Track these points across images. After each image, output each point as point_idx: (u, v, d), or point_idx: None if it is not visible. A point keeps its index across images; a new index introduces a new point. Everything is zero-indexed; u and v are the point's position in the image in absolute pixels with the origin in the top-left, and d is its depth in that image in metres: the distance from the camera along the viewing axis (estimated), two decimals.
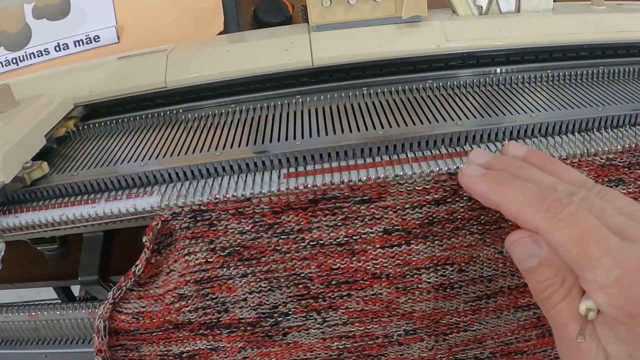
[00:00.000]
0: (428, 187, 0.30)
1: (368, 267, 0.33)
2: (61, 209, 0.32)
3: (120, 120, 0.41)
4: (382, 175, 0.30)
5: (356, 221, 0.31)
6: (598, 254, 0.22)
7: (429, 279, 0.33)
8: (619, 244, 0.22)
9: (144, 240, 0.31)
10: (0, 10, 0.54)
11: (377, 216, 0.31)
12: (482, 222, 0.32)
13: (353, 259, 0.32)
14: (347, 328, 0.35)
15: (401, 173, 0.30)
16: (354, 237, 0.32)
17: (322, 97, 0.40)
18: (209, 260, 0.32)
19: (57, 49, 0.53)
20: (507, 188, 0.26)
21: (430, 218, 0.31)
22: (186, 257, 0.32)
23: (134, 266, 0.32)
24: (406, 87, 0.40)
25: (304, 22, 0.46)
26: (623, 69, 0.40)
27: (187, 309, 0.34)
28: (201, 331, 0.35)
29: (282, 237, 0.32)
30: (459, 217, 0.31)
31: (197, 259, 0.32)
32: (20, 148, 0.33)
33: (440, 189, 0.31)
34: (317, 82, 0.42)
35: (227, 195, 0.30)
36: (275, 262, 0.32)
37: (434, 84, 0.40)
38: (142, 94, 0.42)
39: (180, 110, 0.42)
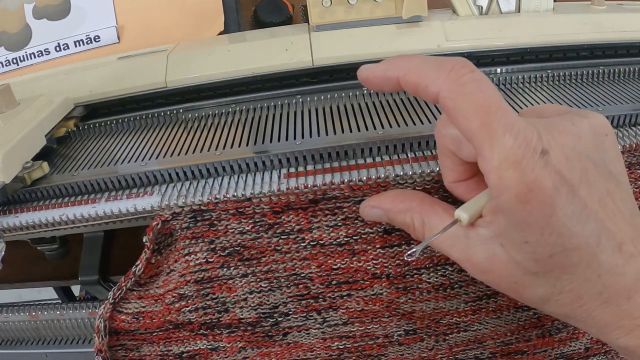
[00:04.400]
0: (428, 187, 0.30)
1: (368, 267, 0.33)
2: (61, 209, 0.32)
3: (120, 120, 0.41)
4: (382, 175, 0.30)
5: (356, 221, 0.31)
6: (501, 131, 0.21)
7: (429, 279, 0.33)
8: (522, 124, 0.21)
9: (144, 240, 0.31)
10: (0, 10, 0.54)
11: None
12: None
13: (353, 259, 0.32)
14: (348, 328, 0.35)
15: (401, 173, 0.30)
16: (354, 237, 0.32)
17: (322, 97, 0.40)
18: (209, 260, 0.32)
19: (58, 49, 0.53)
20: (406, 60, 0.24)
21: None
22: (186, 257, 0.32)
23: (134, 266, 0.32)
24: None
25: (304, 22, 0.46)
26: (623, 69, 0.40)
27: (188, 309, 0.34)
28: (201, 331, 0.35)
29: (283, 237, 0.32)
30: None
31: (197, 259, 0.32)
32: (20, 148, 0.33)
33: (441, 189, 0.31)
34: (318, 82, 0.42)
35: (227, 195, 0.30)
36: (275, 262, 0.32)
37: None
38: (142, 94, 0.42)
39: (181, 110, 0.42)
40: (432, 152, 0.32)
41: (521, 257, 0.23)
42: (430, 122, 0.34)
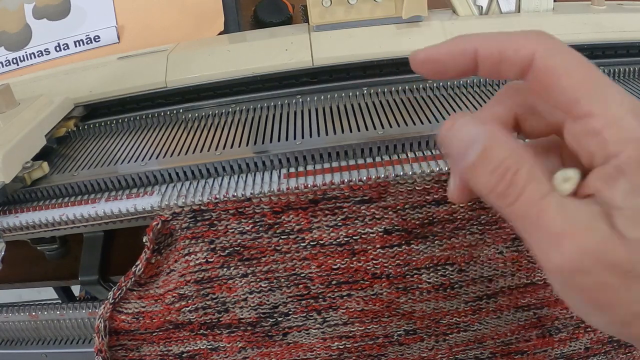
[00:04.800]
0: (428, 187, 0.30)
1: (368, 267, 0.33)
2: (61, 209, 0.32)
3: (120, 120, 0.41)
4: (382, 175, 0.30)
5: (356, 221, 0.31)
6: (615, 89, 0.18)
7: (429, 279, 0.33)
8: (622, 94, 0.19)
9: (144, 240, 0.31)
10: (1, 10, 0.54)
11: (377, 216, 0.31)
12: (482, 222, 0.32)
13: (353, 259, 0.32)
14: (348, 328, 0.35)
15: (401, 173, 0.30)
16: (354, 237, 0.32)
17: (322, 97, 0.40)
18: (209, 260, 0.32)
19: (58, 49, 0.53)
20: (479, 34, 0.21)
21: (431, 218, 0.31)
22: (186, 257, 0.32)
23: (134, 266, 0.32)
24: (406, 87, 0.40)
25: (304, 22, 0.46)
26: (623, 69, 0.40)
27: (188, 309, 0.34)
28: (201, 331, 0.35)
29: (283, 237, 0.32)
30: (459, 217, 0.31)
31: (197, 259, 0.32)
32: (20, 148, 0.33)
33: (441, 189, 0.31)
34: (317, 82, 0.42)
35: (227, 195, 0.30)
36: (275, 262, 0.32)
37: (434, 84, 0.40)
38: (142, 94, 0.42)
39: (181, 110, 0.42)
40: (432, 152, 0.32)
41: None
42: (430, 122, 0.34)
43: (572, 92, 0.18)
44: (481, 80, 0.40)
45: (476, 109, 0.36)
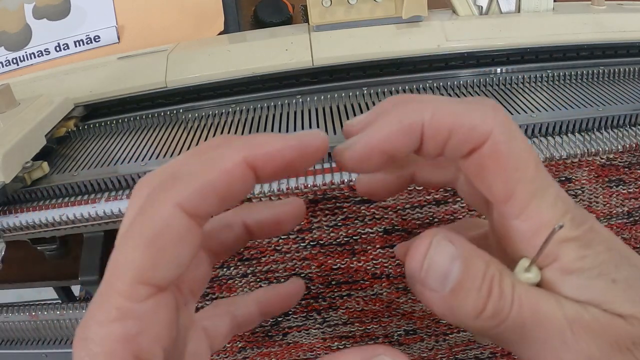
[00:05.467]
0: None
1: (368, 267, 0.33)
2: (61, 209, 0.32)
3: (120, 120, 0.41)
4: None
5: (356, 221, 0.31)
6: (552, 189, 0.17)
7: None
8: (558, 195, 0.18)
9: None
10: (1, 10, 0.54)
11: (377, 216, 0.31)
12: None
13: (353, 259, 0.32)
14: (348, 328, 0.35)
15: None
16: (354, 237, 0.32)
17: (322, 97, 0.40)
18: None
19: (58, 49, 0.53)
20: (417, 100, 0.18)
21: (431, 218, 0.31)
22: None
23: None
24: (406, 87, 0.40)
25: (304, 22, 0.46)
26: (623, 69, 0.40)
27: None
28: None
29: (282, 237, 0.32)
30: (459, 217, 0.31)
31: None
32: (20, 148, 0.33)
33: (441, 189, 0.31)
34: (318, 82, 0.42)
35: None
36: (275, 262, 0.32)
37: (434, 84, 0.40)
38: (142, 94, 0.42)
39: (181, 110, 0.42)
40: None
41: None
42: None
43: (512, 187, 0.17)
44: (481, 80, 0.40)
45: None
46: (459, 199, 0.31)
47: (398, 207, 0.31)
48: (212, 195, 0.15)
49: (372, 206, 0.31)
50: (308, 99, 0.40)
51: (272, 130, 0.36)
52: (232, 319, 0.23)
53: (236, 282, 0.33)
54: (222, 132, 0.37)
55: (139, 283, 0.15)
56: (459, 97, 0.38)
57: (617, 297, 0.17)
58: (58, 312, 0.38)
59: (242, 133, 0.36)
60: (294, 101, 0.40)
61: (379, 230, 0.32)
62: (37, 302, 0.40)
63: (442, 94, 0.39)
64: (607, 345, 0.16)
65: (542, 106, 0.35)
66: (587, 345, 0.16)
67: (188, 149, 0.35)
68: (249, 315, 0.24)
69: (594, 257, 0.17)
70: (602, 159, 0.32)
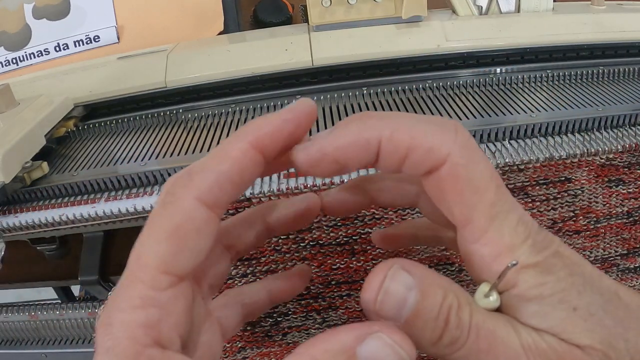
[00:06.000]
0: None
1: (368, 267, 0.33)
2: (61, 209, 0.32)
3: (120, 120, 0.41)
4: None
5: (356, 221, 0.31)
6: (514, 214, 0.17)
7: None
8: (520, 220, 0.18)
9: None
10: (0, 10, 0.54)
11: (377, 216, 0.31)
12: None
13: (353, 259, 0.32)
14: None
15: None
16: (353, 237, 0.32)
17: (322, 97, 0.40)
18: None
19: (57, 49, 0.53)
20: (381, 117, 0.18)
21: None
22: None
23: None
24: (406, 87, 0.40)
25: (304, 22, 0.46)
26: (623, 69, 0.40)
27: None
28: None
29: (282, 237, 0.32)
30: None
31: None
32: (20, 148, 0.33)
33: None
34: (317, 82, 0.42)
35: None
36: (275, 262, 0.32)
37: (434, 84, 0.40)
38: (142, 94, 0.42)
39: (180, 110, 0.42)
40: None
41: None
42: None
43: (470, 211, 0.17)
44: (481, 80, 0.40)
45: (476, 109, 0.36)
46: None
47: (398, 207, 0.31)
48: (227, 184, 0.16)
49: (372, 206, 0.31)
50: None
51: None
52: (242, 307, 0.23)
53: (236, 282, 0.33)
54: (221, 132, 0.37)
55: (161, 272, 0.16)
56: (458, 96, 0.38)
57: (576, 326, 0.17)
58: (58, 312, 0.38)
59: None
60: (293, 101, 0.40)
61: (379, 230, 0.32)
62: (37, 302, 0.40)
63: (442, 94, 0.39)
64: None
65: (541, 106, 0.35)
66: None
67: (188, 148, 0.35)
68: (259, 303, 0.24)
69: (554, 283, 0.17)
70: (601, 159, 0.32)
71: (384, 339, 0.16)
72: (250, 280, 0.33)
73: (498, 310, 0.18)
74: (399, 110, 0.37)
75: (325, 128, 0.35)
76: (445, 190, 0.17)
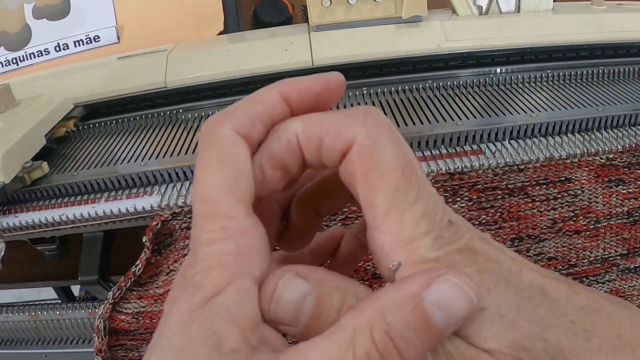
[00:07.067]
0: None
1: (368, 267, 0.32)
2: (61, 209, 0.32)
3: (120, 120, 0.41)
4: None
5: (356, 221, 0.31)
6: (420, 205, 0.17)
7: None
8: (426, 211, 0.17)
9: (144, 240, 0.31)
10: (0, 10, 0.54)
11: None
12: (482, 222, 0.32)
13: None
14: None
15: None
16: None
17: None
18: None
19: (57, 49, 0.53)
20: (307, 114, 0.19)
21: None
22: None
23: (133, 266, 0.32)
24: (406, 87, 0.40)
25: (304, 22, 0.46)
26: (623, 69, 0.40)
27: None
28: None
29: None
30: None
31: None
32: (20, 148, 0.33)
33: (441, 189, 0.30)
34: None
35: None
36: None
37: (434, 84, 0.40)
38: (142, 94, 0.42)
39: (180, 110, 0.42)
40: (431, 152, 0.32)
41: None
42: (430, 122, 0.34)
43: (372, 194, 0.17)
44: (481, 80, 0.40)
45: (476, 109, 0.36)
46: (458, 199, 0.31)
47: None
48: (258, 122, 0.18)
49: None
50: None
51: None
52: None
53: None
54: None
55: (234, 200, 0.16)
56: (458, 96, 0.38)
57: (484, 329, 0.16)
58: (58, 312, 0.38)
59: None
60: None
61: None
62: (37, 302, 0.40)
63: (442, 94, 0.39)
64: None
65: (541, 106, 0.35)
66: None
67: (188, 148, 0.35)
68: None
69: None
70: (601, 159, 0.32)
71: (451, 280, 0.15)
72: None
73: None
74: (398, 110, 0.37)
75: None
76: (353, 173, 0.17)
